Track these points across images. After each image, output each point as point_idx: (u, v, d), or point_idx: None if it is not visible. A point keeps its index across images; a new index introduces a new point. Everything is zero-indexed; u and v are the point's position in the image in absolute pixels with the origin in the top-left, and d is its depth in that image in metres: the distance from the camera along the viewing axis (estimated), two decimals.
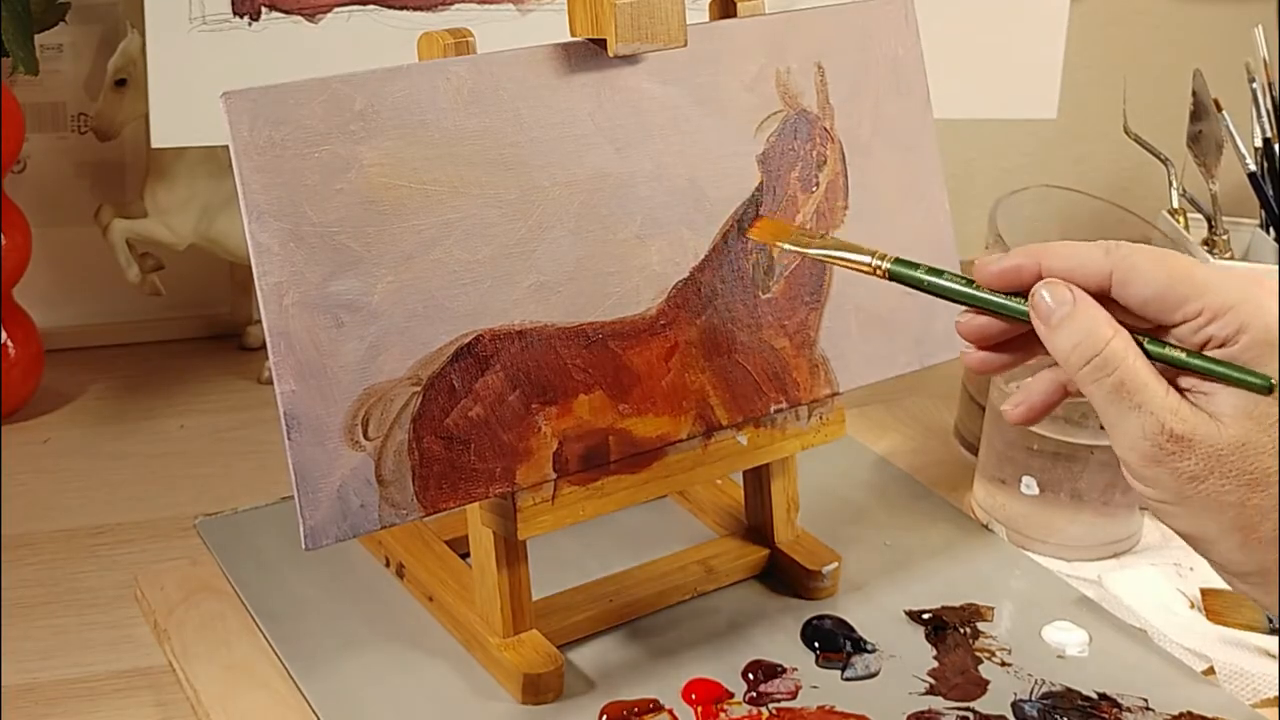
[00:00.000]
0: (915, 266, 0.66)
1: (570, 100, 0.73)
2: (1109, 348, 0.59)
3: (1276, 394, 0.58)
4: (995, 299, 0.63)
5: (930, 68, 0.85)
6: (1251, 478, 0.58)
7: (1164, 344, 0.60)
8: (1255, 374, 0.58)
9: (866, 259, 0.67)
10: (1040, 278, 0.61)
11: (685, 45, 0.75)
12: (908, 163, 0.84)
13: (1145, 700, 0.77)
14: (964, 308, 0.64)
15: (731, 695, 0.77)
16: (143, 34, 0.90)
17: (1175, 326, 0.59)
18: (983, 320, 0.64)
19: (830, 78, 0.81)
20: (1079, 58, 1.25)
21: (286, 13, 0.90)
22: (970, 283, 0.64)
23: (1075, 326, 0.60)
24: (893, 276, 0.66)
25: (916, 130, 0.84)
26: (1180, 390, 0.59)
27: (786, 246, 0.72)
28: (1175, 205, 1.12)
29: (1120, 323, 0.60)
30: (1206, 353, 0.59)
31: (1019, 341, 0.64)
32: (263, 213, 0.66)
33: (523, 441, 0.73)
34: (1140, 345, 0.60)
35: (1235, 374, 0.58)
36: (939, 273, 0.65)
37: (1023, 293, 0.62)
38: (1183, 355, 0.59)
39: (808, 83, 0.81)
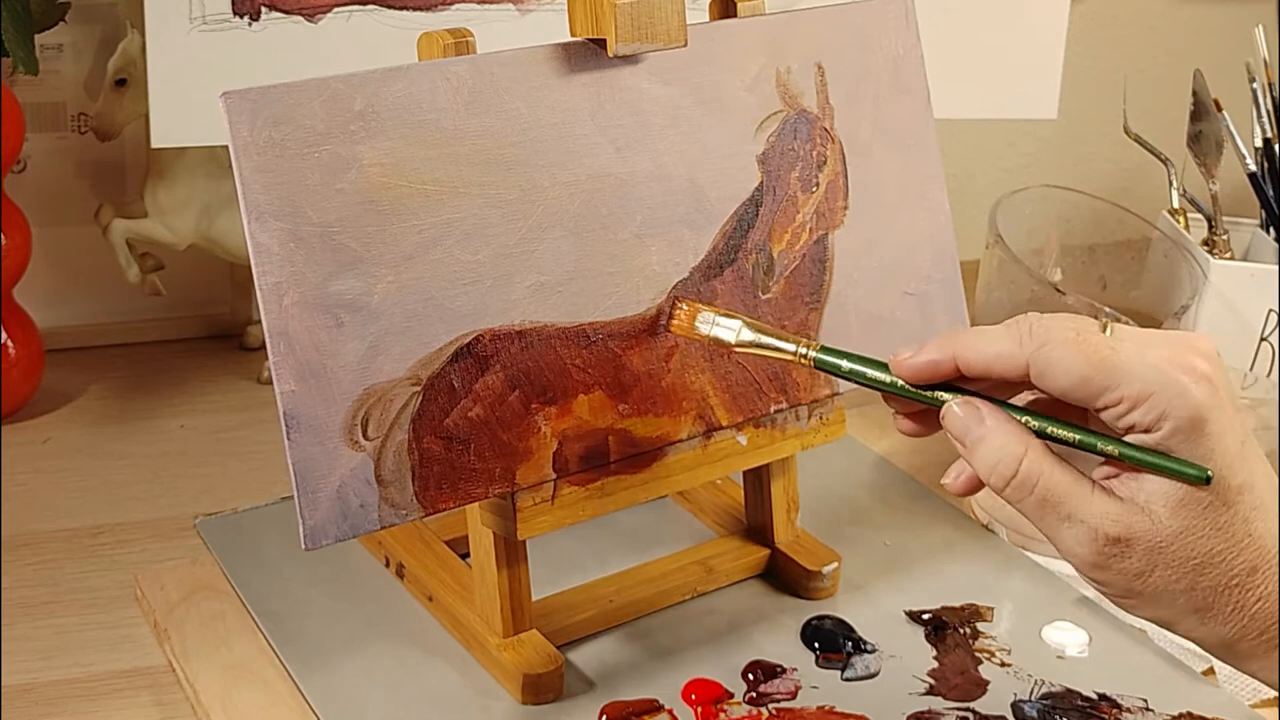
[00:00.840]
0: (841, 355, 0.66)
1: (570, 100, 0.73)
2: (1023, 467, 0.59)
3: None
4: (913, 392, 0.63)
5: (930, 68, 0.85)
6: (1196, 563, 0.58)
7: (1097, 437, 0.59)
8: (1191, 465, 0.58)
9: (791, 348, 0.68)
10: (957, 371, 0.61)
11: (685, 45, 0.75)
12: (908, 163, 0.84)
13: (1145, 700, 0.77)
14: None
15: (731, 695, 0.77)
16: (143, 34, 0.90)
17: (1100, 411, 0.59)
18: (909, 413, 0.65)
19: (830, 78, 0.81)
20: (1079, 58, 1.25)
21: (286, 13, 0.90)
22: (890, 373, 0.64)
23: (988, 449, 0.60)
24: (817, 365, 0.67)
25: (917, 130, 0.84)
26: (1108, 477, 0.59)
27: (706, 335, 0.72)
28: (1175, 205, 1.12)
29: (1049, 406, 0.61)
30: (1131, 438, 0.59)
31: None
32: (263, 213, 0.66)
33: (522, 442, 0.73)
34: (1073, 442, 0.60)
35: (1172, 466, 0.58)
36: (863, 361, 0.65)
37: (941, 386, 0.63)
38: (1116, 450, 0.59)
39: (808, 83, 0.81)
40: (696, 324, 0.72)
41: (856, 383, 0.66)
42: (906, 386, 0.63)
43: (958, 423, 0.61)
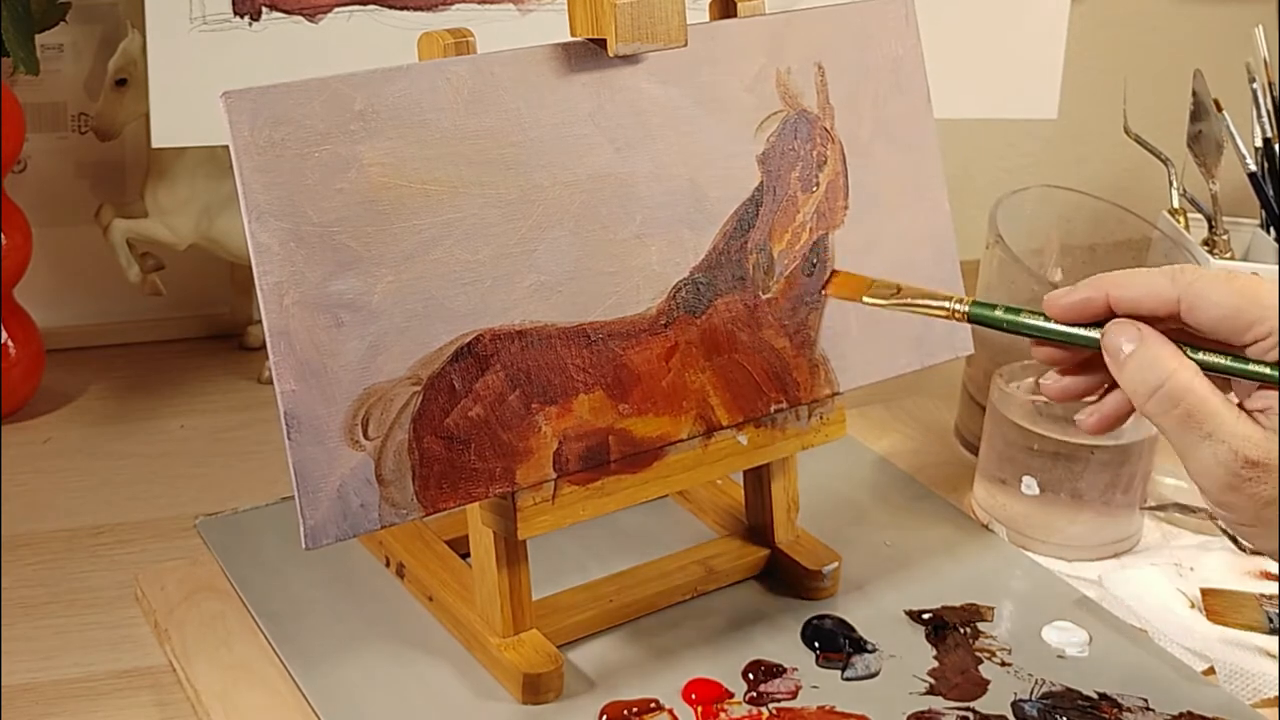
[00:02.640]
0: (993, 307, 0.68)
1: (570, 100, 0.73)
2: (1173, 379, 0.60)
3: None
4: (1068, 331, 0.65)
5: (931, 68, 0.85)
6: None
7: (1208, 351, 0.61)
8: None
9: (944, 304, 0.70)
10: (1108, 307, 0.63)
11: (685, 45, 0.75)
12: (908, 163, 0.84)
13: (1145, 700, 0.77)
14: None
15: (732, 695, 0.77)
16: (143, 34, 0.90)
17: (1246, 347, 0.60)
18: (1054, 350, 0.66)
19: (830, 78, 0.81)
20: (1080, 58, 1.25)
21: (287, 13, 0.90)
22: (1044, 318, 0.66)
23: (1141, 362, 0.61)
24: (971, 319, 0.69)
25: (917, 130, 0.84)
26: (1251, 413, 0.60)
27: (866, 301, 0.74)
28: (1175, 205, 1.12)
29: (1191, 344, 0.61)
30: None
31: (1095, 364, 0.65)
32: (263, 212, 0.66)
33: (523, 441, 0.73)
34: (1221, 366, 0.61)
35: (1256, 370, 0.59)
36: (1016, 311, 0.67)
37: (1093, 324, 0.64)
38: (1224, 360, 0.60)
39: (808, 83, 0.81)
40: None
41: (1013, 330, 0.67)
42: (1059, 329, 0.65)
43: (1113, 338, 0.62)
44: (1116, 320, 0.63)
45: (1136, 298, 0.62)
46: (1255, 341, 0.60)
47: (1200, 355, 0.62)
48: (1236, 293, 0.60)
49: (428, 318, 0.70)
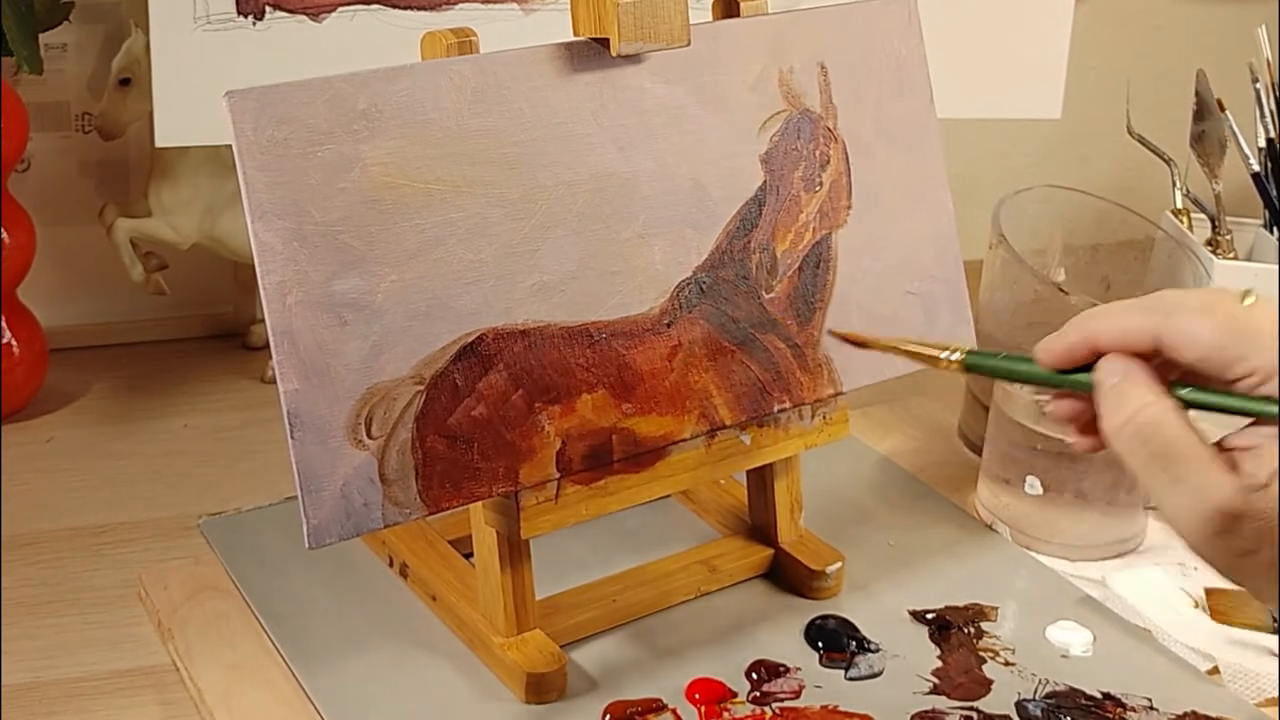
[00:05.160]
0: (991, 355, 0.65)
1: (573, 100, 0.73)
2: (1146, 412, 0.56)
3: None
4: (1065, 379, 0.61)
5: (934, 67, 0.85)
6: None
7: (1200, 389, 0.57)
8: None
9: (940, 354, 0.67)
10: (1094, 352, 0.60)
11: (688, 45, 0.75)
12: (911, 162, 0.84)
13: (1149, 700, 0.77)
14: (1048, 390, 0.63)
15: (735, 695, 0.77)
16: (147, 33, 0.90)
17: (1232, 384, 0.56)
18: (1067, 402, 0.62)
19: (833, 77, 0.81)
20: (1083, 58, 1.25)
21: (290, 12, 0.90)
22: (1025, 360, 0.63)
23: (1118, 391, 0.58)
24: (968, 368, 0.66)
25: (920, 130, 0.84)
26: (1229, 452, 0.56)
27: (874, 341, 0.71)
28: (1179, 205, 1.12)
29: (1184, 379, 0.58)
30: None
31: None
32: (266, 212, 0.66)
33: (526, 441, 0.73)
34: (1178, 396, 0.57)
35: (1254, 406, 0.55)
36: (1015, 359, 0.64)
37: (1086, 367, 0.61)
38: (1217, 399, 0.56)
39: (811, 82, 0.80)
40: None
41: (1010, 379, 0.65)
42: (1054, 376, 0.62)
43: (1099, 373, 0.59)
44: (1108, 356, 0.59)
45: (1117, 336, 0.59)
46: (1242, 378, 0.55)
47: (1188, 392, 0.57)
48: (1216, 327, 0.56)
49: (430, 317, 0.70)
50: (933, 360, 0.67)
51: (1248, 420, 0.57)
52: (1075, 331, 0.60)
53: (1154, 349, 0.58)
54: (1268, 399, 0.55)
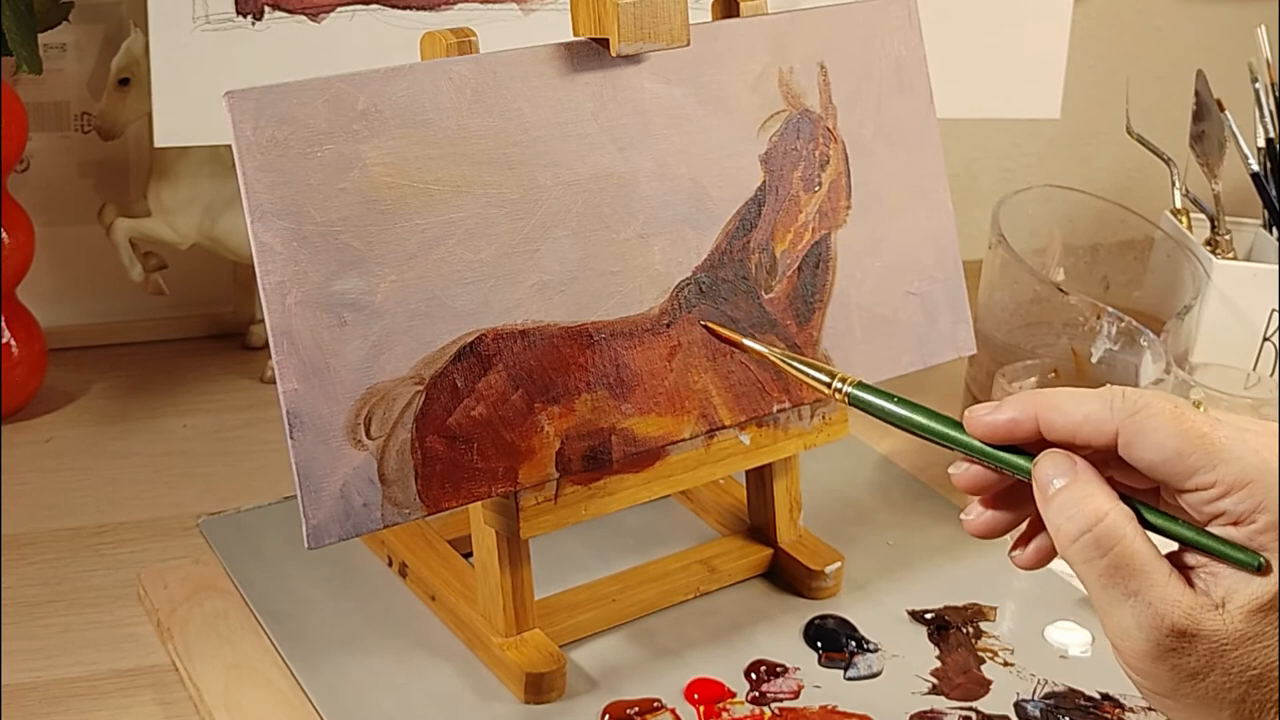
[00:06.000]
0: (885, 396, 0.61)
1: (573, 100, 0.73)
2: (1103, 524, 0.54)
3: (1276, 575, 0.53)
4: (994, 453, 0.58)
5: (933, 67, 0.85)
6: (1255, 673, 0.53)
7: (1158, 512, 0.55)
8: (1244, 551, 0.53)
9: (826, 379, 0.64)
10: (1037, 431, 0.57)
11: (688, 45, 0.75)
12: (911, 162, 0.84)
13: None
14: (961, 455, 0.60)
15: (734, 695, 0.77)
16: (146, 33, 0.90)
17: (1186, 493, 0.54)
18: (976, 470, 0.59)
19: (833, 77, 0.81)
20: (1082, 58, 1.25)
21: (290, 12, 0.90)
22: (959, 429, 0.60)
23: (1068, 499, 0.55)
24: (852, 401, 0.63)
25: (919, 130, 0.84)
26: (1187, 569, 0.55)
27: (748, 343, 0.72)
28: (1178, 205, 1.12)
29: (1124, 483, 0.56)
30: (1217, 527, 0.54)
31: (1021, 495, 0.58)
32: (266, 212, 0.66)
33: (525, 441, 0.73)
34: (1137, 511, 0.55)
35: (1226, 550, 0.53)
36: (931, 415, 0.60)
37: (1018, 450, 0.57)
38: (1172, 525, 0.55)
39: (810, 82, 0.81)
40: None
41: (903, 428, 0.61)
42: (983, 446, 0.58)
43: (1044, 470, 0.56)
44: (1051, 451, 0.56)
45: (1073, 425, 0.55)
46: (1197, 489, 0.54)
47: (1155, 518, 0.55)
48: (1182, 434, 0.53)
49: (430, 317, 0.70)
50: (819, 387, 0.64)
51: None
52: (1018, 409, 0.57)
53: (1107, 445, 0.55)
54: (1241, 548, 0.53)
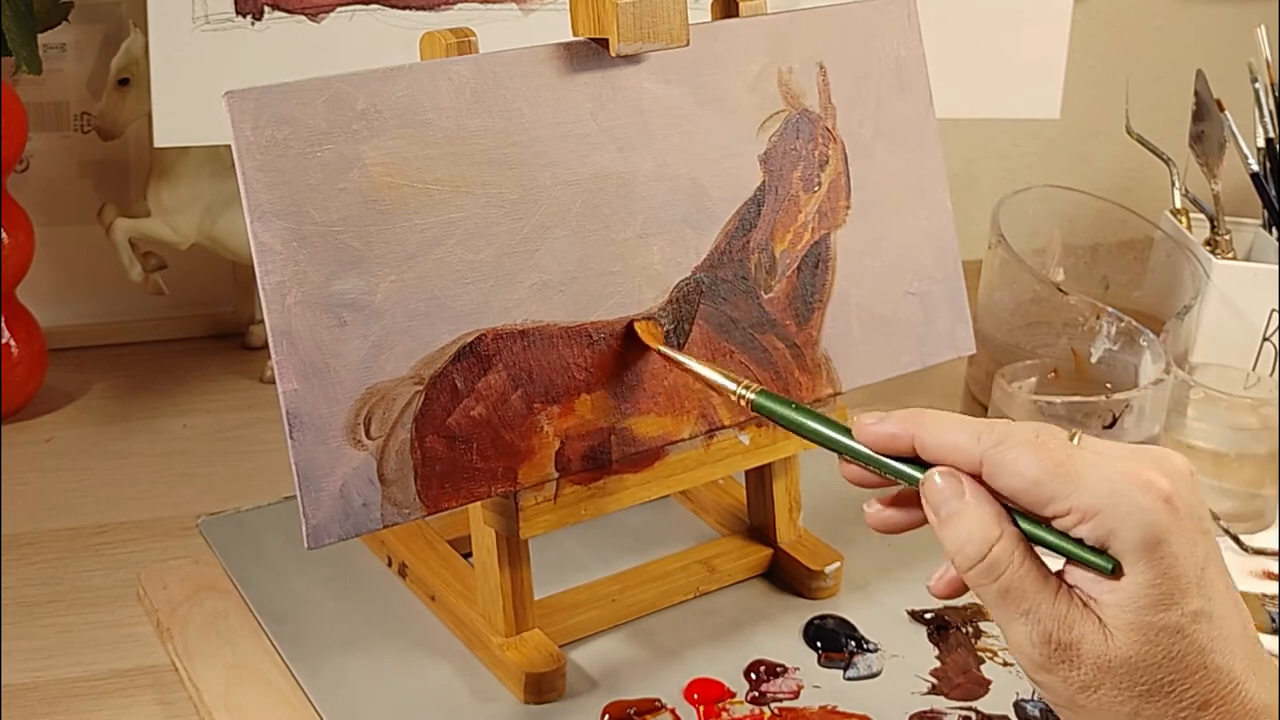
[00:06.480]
0: (785, 404, 0.66)
1: (572, 99, 0.73)
2: (994, 552, 0.57)
3: (1158, 588, 0.55)
4: (885, 462, 0.61)
5: (933, 67, 0.85)
6: (1144, 688, 0.56)
7: (1027, 518, 0.58)
8: (1099, 554, 0.56)
9: (732, 386, 0.68)
10: (914, 450, 0.60)
11: (687, 45, 0.75)
12: (910, 162, 0.84)
13: None
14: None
15: (733, 695, 0.77)
16: (146, 33, 0.90)
17: (1050, 520, 0.57)
18: (856, 468, 0.63)
19: (832, 77, 0.81)
20: (1082, 58, 1.25)
21: (289, 12, 0.90)
22: (847, 434, 0.63)
23: (961, 526, 0.58)
24: (755, 408, 0.67)
25: (919, 130, 0.84)
26: (1072, 588, 0.57)
27: (660, 349, 0.74)
28: (1178, 205, 1.12)
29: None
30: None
31: (913, 500, 0.62)
32: (265, 212, 0.66)
33: (525, 441, 0.73)
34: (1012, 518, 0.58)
35: (1080, 553, 0.56)
36: (807, 413, 0.65)
37: (899, 457, 0.61)
38: (1034, 529, 0.57)
39: (810, 82, 0.81)
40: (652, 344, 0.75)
41: (801, 434, 0.65)
42: (871, 454, 0.62)
43: (936, 492, 0.59)
44: (941, 470, 0.59)
45: (942, 450, 0.59)
46: (1055, 517, 0.56)
47: (1028, 525, 0.58)
48: (1038, 464, 0.56)
49: (430, 317, 0.70)
50: (724, 391, 0.69)
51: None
52: (899, 425, 0.61)
53: (974, 472, 0.58)
54: (1100, 552, 0.56)
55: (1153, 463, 0.56)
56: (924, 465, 0.60)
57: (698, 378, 0.72)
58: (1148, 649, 0.55)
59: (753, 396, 0.68)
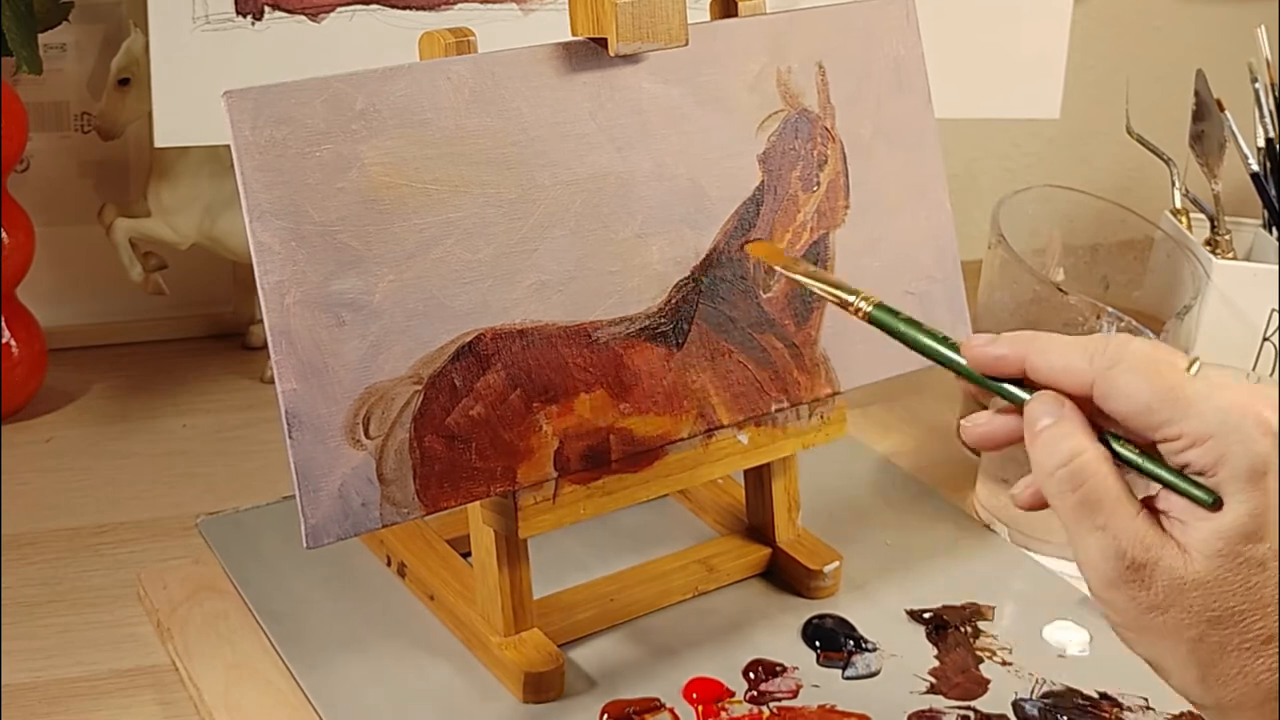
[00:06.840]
0: (896, 315, 0.66)
1: (571, 99, 0.73)
2: (1079, 460, 0.57)
3: (1255, 519, 0.55)
4: (985, 380, 0.62)
5: (932, 67, 0.85)
6: (1213, 614, 0.56)
7: (1127, 445, 0.58)
8: (1201, 486, 0.56)
9: (851, 298, 0.68)
10: (1023, 372, 0.61)
11: (686, 44, 0.75)
12: (910, 162, 0.84)
13: (1146, 700, 0.77)
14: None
15: (732, 694, 0.77)
16: (146, 33, 0.90)
17: (1158, 444, 0.57)
18: (986, 430, 0.63)
19: (831, 77, 0.81)
20: (1082, 57, 1.25)
21: (289, 12, 0.90)
22: (949, 343, 0.64)
23: (1053, 434, 0.58)
24: (871, 320, 0.67)
25: (918, 130, 0.84)
26: (1158, 512, 0.57)
27: (779, 270, 0.75)
28: (1178, 205, 1.12)
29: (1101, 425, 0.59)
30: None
31: (1013, 414, 0.62)
32: (264, 212, 0.66)
33: (524, 440, 0.73)
34: (1105, 443, 0.58)
35: (1182, 484, 0.56)
36: (921, 328, 0.65)
37: (1006, 379, 0.62)
38: (1136, 458, 0.58)
39: (809, 82, 0.81)
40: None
41: (914, 348, 0.66)
42: (962, 362, 0.63)
43: (1033, 409, 0.59)
44: (1043, 393, 0.59)
45: (1054, 373, 0.59)
46: (1165, 440, 0.56)
47: (1128, 452, 0.58)
48: (1151, 389, 0.56)
49: (429, 317, 0.70)
50: (842, 303, 0.69)
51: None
52: (1010, 347, 0.61)
53: (1086, 394, 0.58)
54: (1198, 484, 0.56)
55: (1264, 398, 0.56)
56: (1031, 388, 0.61)
57: (818, 289, 0.72)
58: (1228, 576, 0.55)
59: (870, 309, 0.68)
